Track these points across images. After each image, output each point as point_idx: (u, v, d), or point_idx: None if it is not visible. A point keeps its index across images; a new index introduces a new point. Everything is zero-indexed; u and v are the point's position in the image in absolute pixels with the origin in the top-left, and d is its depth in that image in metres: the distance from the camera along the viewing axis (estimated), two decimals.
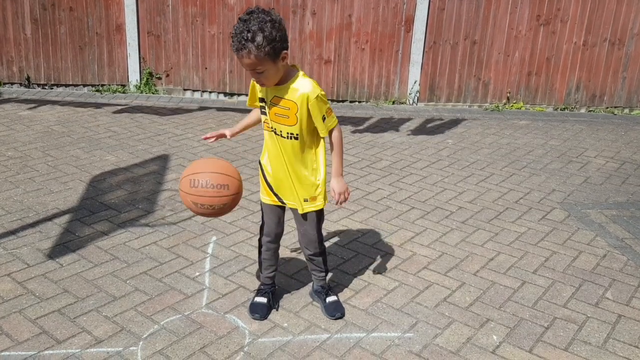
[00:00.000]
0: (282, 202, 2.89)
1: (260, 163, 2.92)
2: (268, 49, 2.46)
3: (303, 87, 2.63)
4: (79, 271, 3.34)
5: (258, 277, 3.24)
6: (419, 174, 5.09)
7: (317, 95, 2.62)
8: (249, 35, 2.43)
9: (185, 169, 2.74)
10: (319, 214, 2.93)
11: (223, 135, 2.98)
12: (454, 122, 6.72)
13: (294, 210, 2.92)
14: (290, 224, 3.56)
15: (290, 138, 2.71)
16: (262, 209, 3.00)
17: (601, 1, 7.04)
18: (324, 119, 2.68)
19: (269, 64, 2.51)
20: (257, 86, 2.75)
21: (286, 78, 2.64)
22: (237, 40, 2.47)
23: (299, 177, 2.80)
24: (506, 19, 7.08)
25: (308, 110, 2.64)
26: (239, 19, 2.52)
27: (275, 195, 2.89)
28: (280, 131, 2.72)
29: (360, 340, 2.87)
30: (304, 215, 2.90)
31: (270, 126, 2.76)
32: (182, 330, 2.89)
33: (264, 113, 2.77)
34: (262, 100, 2.75)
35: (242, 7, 6.99)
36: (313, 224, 2.93)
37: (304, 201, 2.84)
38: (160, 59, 7.29)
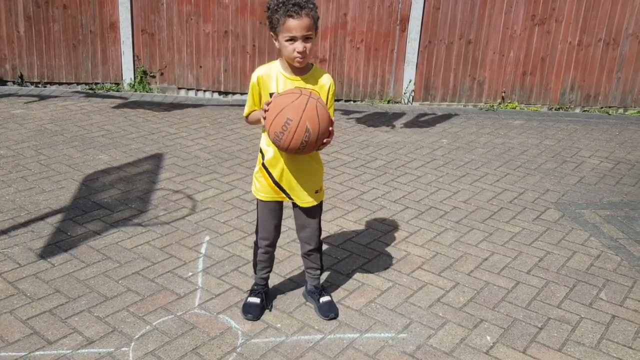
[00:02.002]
0: (291, 198, 2.86)
1: (264, 165, 2.84)
2: (317, 14, 2.63)
3: (325, 76, 2.76)
4: (71, 271, 3.32)
5: (255, 264, 3.15)
6: (414, 174, 5.08)
7: (334, 85, 2.79)
8: (307, 1, 2.56)
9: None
10: (322, 205, 2.99)
11: None
12: (449, 122, 6.72)
13: (298, 208, 2.91)
14: (283, 224, 3.54)
15: None
16: (258, 213, 2.98)
17: (596, 1, 7.05)
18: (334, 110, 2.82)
19: (314, 32, 2.62)
20: (265, 89, 2.71)
21: (308, 67, 2.73)
22: (300, 4, 2.53)
23: (313, 167, 2.83)
24: (501, 18, 7.08)
25: (327, 98, 2.74)
26: None
27: (284, 192, 2.84)
28: None
29: (354, 341, 2.86)
30: (311, 209, 2.90)
31: None
32: (175, 330, 2.87)
33: None
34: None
35: (237, 5, 6.97)
36: (318, 216, 2.96)
37: (315, 193, 2.87)
38: (155, 57, 7.26)
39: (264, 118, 2.56)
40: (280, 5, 2.56)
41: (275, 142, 2.57)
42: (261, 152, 2.85)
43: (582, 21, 7.12)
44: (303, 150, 2.55)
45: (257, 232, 3.03)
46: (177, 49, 7.20)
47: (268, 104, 2.57)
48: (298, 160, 2.77)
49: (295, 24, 2.55)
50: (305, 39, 2.58)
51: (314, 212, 2.94)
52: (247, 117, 2.86)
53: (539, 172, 5.27)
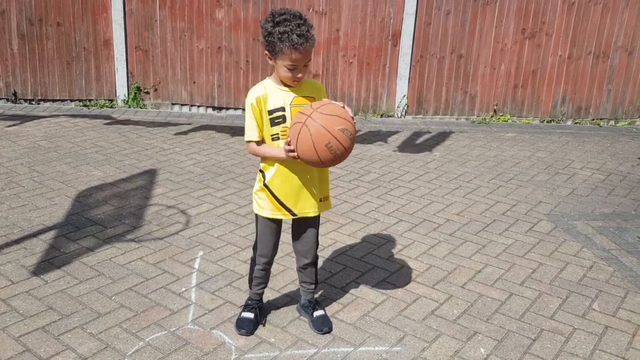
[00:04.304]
0: (293, 214, 2.85)
1: (266, 185, 2.83)
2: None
3: (312, 81, 2.84)
4: (64, 288, 3.31)
5: (250, 280, 3.16)
6: (407, 187, 5.10)
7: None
8: (310, 29, 2.58)
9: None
10: (319, 218, 2.98)
11: None
12: (442, 135, 6.76)
13: (299, 220, 2.90)
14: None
15: None
16: (257, 230, 2.97)
17: (585, 15, 7.14)
18: None
19: None
20: (264, 108, 2.72)
21: None
22: (305, 35, 2.55)
23: (320, 175, 2.85)
24: (492, 32, 7.15)
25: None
26: (281, 20, 2.56)
27: (287, 209, 2.84)
28: None
29: (348, 355, 2.86)
30: (311, 221, 2.91)
31: None
32: (168, 346, 2.86)
33: (280, 123, 2.72)
34: (278, 110, 2.71)
35: (230, 21, 7.02)
36: (316, 229, 2.97)
37: (320, 201, 2.89)
38: (149, 73, 7.29)
39: (297, 156, 2.60)
40: (285, 34, 2.53)
41: (334, 164, 2.64)
42: (261, 172, 2.86)
43: (572, 34, 7.20)
44: (354, 140, 2.66)
45: (254, 248, 3.02)
46: (171, 65, 7.23)
47: (292, 151, 2.59)
48: (304, 171, 2.77)
49: (300, 57, 2.58)
50: (304, 66, 2.64)
51: (313, 224, 2.94)
52: (255, 143, 2.76)
53: (532, 184, 5.30)
